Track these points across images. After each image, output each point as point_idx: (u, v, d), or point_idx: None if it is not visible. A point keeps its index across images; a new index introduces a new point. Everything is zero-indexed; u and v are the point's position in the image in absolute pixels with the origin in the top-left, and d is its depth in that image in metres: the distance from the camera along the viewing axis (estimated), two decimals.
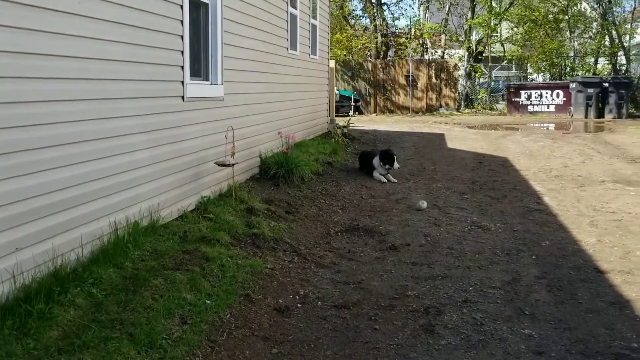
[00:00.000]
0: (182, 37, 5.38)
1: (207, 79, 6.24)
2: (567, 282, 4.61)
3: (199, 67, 6.12)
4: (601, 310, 4.09)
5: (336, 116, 24.48)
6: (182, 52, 5.42)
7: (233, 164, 5.86)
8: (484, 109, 27.63)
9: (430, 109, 27.06)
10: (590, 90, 22.18)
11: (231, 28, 6.61)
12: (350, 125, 15.80)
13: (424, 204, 6.93)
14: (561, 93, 24.69)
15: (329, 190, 7.71)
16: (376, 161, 8.64)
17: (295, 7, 10.01)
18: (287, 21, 9.38)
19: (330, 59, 17.64)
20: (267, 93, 8.34)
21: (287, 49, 9.46)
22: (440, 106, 27.17)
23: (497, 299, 4.26)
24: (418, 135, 14.83)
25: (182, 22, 5.36)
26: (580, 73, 27.27)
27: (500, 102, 28.22)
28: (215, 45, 6.27)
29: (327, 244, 5.54)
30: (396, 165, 8.49)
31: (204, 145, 5.85)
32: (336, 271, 4.80)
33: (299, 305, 4.03)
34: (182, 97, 5.43)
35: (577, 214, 6.81)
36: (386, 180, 8.46)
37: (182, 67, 5.43)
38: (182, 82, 5.43)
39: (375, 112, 27.18)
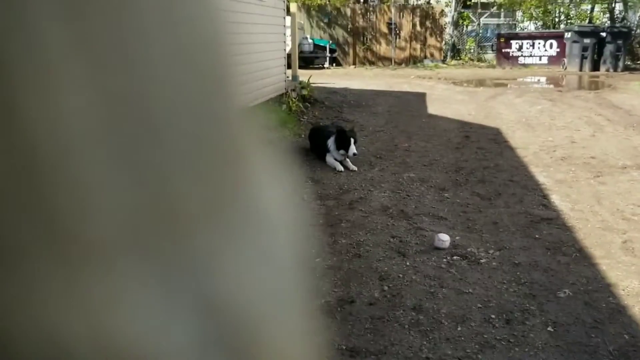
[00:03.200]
0: None
1: None
2: None
3: None
4: None
5: (310, 68, 22.12)
6: None
7: None
8: (472, 60, 25.41)
9: (414, 60, 24.77)
10: (587, 41, 20.05)
11: None
12: (317, 83, 13.60)
13: (445, 242, 4.31)
14: (555, 43, 22.61)
15: None
16: (331, 142, 6.52)
17: None
18: None
19: (294, 2, 15.22)
20: None
21: None
22: (425, 57, 24.87)
23: None
24: (395, 95, 12.66)
25: None
26: (574, 21, 25.04)
27: (489, 52, 25.95)
28: None
29: None
30: (352, 150, 6.36)
31: None
32: None
33: None
34: None
35: (601, 226, 4.81)
36: (342, 169, 6.38)
37: None
38: None
39: (354, 63, 24.83)
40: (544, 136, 8.27)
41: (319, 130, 6.93)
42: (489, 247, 4.35)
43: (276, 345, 0.34)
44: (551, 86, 16.75)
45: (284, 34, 10.93)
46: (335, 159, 6.50)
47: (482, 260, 4.11)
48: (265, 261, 0.34)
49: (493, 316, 3.35)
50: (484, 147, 7.55)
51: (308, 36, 22.98)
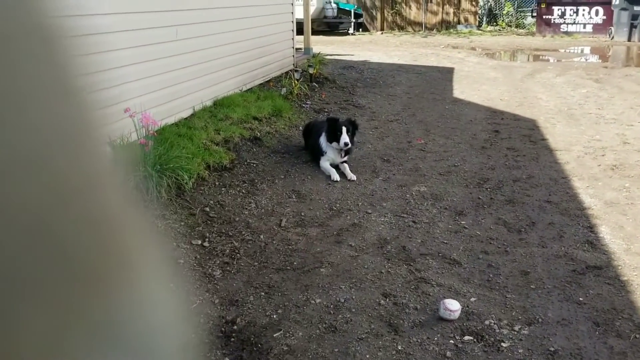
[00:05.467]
0: None
1: None
2: None
3: None
4: None
5: (335, 34, 20.68)
6: None
7: None
8: (509, 26, 23.57)
9: (446, 26, 23.11)
10: (638, 8, 18.18)
11: None
12: (334, 54, 12.33)
13: (453, 312, 3.13)
14: (601, 10, 20.67)
15: (227, 206, 4.51)
16: (324, 140, 5.35)
17: None
18: None
19: None
20: (145, 28, 4.97)
21: None
22: (459, 22, 23.17)
23: None
24: (419, 71, 11.27)
25: None
26: None
27: (527, 15, 23.96)
28: None
29: None
30: (344, 139, 5.19)
31: None
32: None
33: None
34: None
35: None
36: (337, 178, 5.19)
37: None
38: None
39: (382, 29, 23.28)
40: (589, 132, 6.91)
41: (314, 127, 5.73)
42: (515, 319, 3.17)
43: None
44: (597, 60, 15.07)
45: None
46: (332, 163, 5.34)
47: (503, 344, 2.95)
48: None
49: None
50: (516, 148, 6.26)
51: (332, 0, 21.46)
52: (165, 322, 0.44)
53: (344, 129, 5.24)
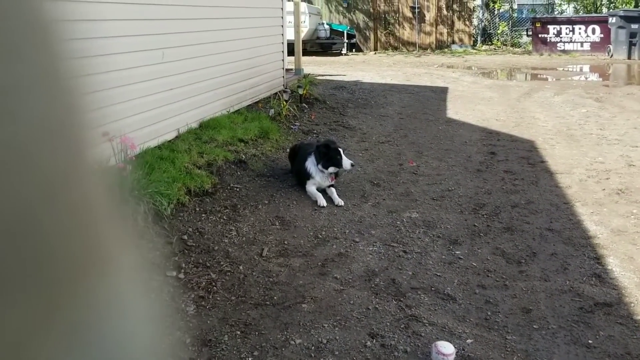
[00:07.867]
0: None
1: None
2: None
3: None
4: None
5: (328, 55, 20.55)
6: None
7: None
8: (505, 45, 23.47)
9: (440, 46, 23.02)
10: (635, 27, 18.18)
11: None
12: (326, 75, 12.11)
13: (447, 357, 2.77)
14: (598, 29, 20.63)
15: (207, 233, 4.18)
16: (311, 164, 5.07)
17: None
18: None
19: None
20: (130, 51, 4.71)
21: None
22: (453, 42, 23.08)
23: None
24: (412, 91, 11.02)
25: None
26: (619, 5, 22.94)
27: (523, 34, 23.83)
28: None
29: None
30: (347, 162, 5.00)
31: None
32: None
33: None
34: None
35: None
36: (324, 203, 4.88)
37: None
38: None
39: (375, 49, 23.18)
40: (591, 154, 6.63)
41: (299, 150, 5.43)
42: None
43: None
44: (596, 78, 14.88)
45: (282, 18, 9.28)
46: (319, 187, 5.05)
47: None
48: None
49: None
50: (514, 170, 5.97)
51: (324, 21, 21.39)
52: (140, 324, 0.43)
53: (341, 151, 5.01)
